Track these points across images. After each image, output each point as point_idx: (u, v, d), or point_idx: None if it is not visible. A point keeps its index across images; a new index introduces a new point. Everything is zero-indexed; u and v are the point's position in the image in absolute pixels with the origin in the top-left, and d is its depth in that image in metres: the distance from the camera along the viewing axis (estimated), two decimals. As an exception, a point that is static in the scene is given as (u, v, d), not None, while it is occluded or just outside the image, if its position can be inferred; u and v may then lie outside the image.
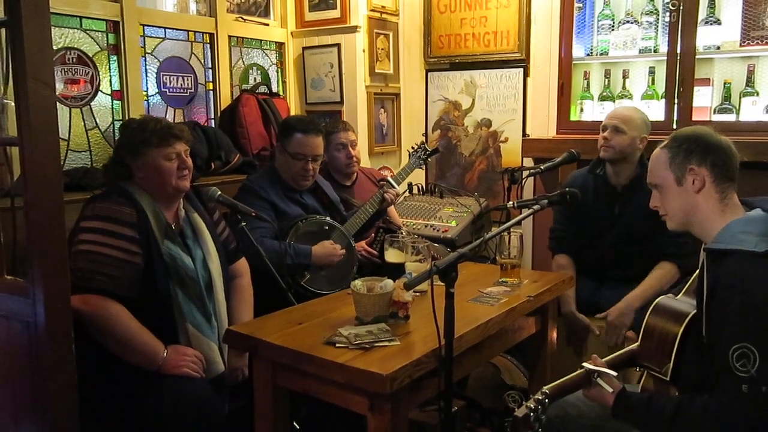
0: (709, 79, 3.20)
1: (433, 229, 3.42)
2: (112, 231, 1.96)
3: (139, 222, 2.01)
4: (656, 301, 1.77)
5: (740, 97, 3.10)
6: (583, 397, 1.70)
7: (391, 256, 2.28)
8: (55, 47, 2.74)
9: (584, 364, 1.69)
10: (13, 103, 1.75)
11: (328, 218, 2.80)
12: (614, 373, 1.65)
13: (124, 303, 1.95)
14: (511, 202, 2.42)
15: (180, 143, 2.12)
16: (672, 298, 1.76)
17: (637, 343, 1.80)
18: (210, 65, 3.49)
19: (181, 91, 3.36)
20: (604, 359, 1.77)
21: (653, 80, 3.32)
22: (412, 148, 3.33)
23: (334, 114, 3.79)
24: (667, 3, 3.14)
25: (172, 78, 3.30)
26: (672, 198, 1.65)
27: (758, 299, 1.42)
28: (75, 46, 2.85)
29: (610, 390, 1.62)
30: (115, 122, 3.02)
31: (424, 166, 3.45)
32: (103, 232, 1.96)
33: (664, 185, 1.66)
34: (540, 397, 1.57)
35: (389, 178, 3.10)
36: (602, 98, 3.45)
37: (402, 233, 2.51)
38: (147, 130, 2.09)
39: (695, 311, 1.61)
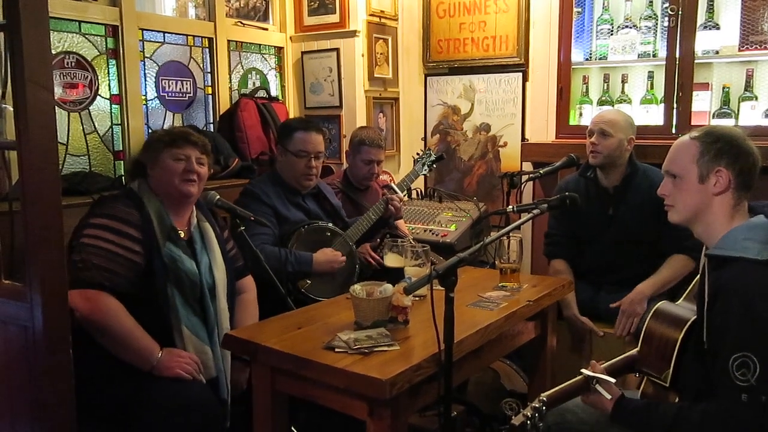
0: (708, 83, 3.20)
1: (433, 233, 3.41)
2: (116, 229, 2.02)
3: (143, 224, 2.06)
4: (656, 306, 1.76)
5: (739, 102, 3.10)
6: (582, 403, 1.70)
7: (391, 260, 2.27)
8: (53, 51, 2.74)
9: (583, 370, 1.68)
10: (11, 107, 1.74)
11: (330, 224, 2.80)
12: (613, 380, 1.64)
13: (122, 301, 1.96)
14: (510, 207, 2.40)
15: (192, 149, 2.18)
16: (672, 304, 1.76)
17: (636, 349, 1.79)
18: (209, 69, 3.48)
19: (180, 95, 3.36)
20: (603, 365, 1.76)
21: (652, 85, 3.32)
22: (417, 154, 3.31)
23: (334, 118, 3.79)
24: (666, 8, 3.14)
25: (171, 82, 3.30)
26: (688, 193, 1.59)
27: (760, 308, 1.40)
28: (74, 50, 2.85)
29: (609, 397, 1.61)
30: (113, 126, 3.02)
31: (429, 173, 3.43)
32: (108, 229, 2.01)
33: (684, 178, 1.59)
34: (537, 405, 1.56)
35: (392, 185, 3.08)
36: (601, 103, 3.45)
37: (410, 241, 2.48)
38: (166, 132, 2.24)
39: (695, 317, 1.60)
